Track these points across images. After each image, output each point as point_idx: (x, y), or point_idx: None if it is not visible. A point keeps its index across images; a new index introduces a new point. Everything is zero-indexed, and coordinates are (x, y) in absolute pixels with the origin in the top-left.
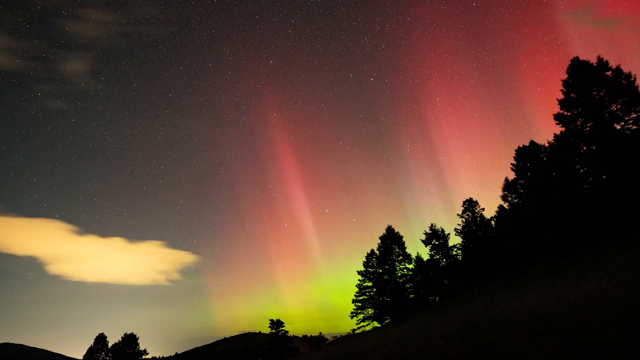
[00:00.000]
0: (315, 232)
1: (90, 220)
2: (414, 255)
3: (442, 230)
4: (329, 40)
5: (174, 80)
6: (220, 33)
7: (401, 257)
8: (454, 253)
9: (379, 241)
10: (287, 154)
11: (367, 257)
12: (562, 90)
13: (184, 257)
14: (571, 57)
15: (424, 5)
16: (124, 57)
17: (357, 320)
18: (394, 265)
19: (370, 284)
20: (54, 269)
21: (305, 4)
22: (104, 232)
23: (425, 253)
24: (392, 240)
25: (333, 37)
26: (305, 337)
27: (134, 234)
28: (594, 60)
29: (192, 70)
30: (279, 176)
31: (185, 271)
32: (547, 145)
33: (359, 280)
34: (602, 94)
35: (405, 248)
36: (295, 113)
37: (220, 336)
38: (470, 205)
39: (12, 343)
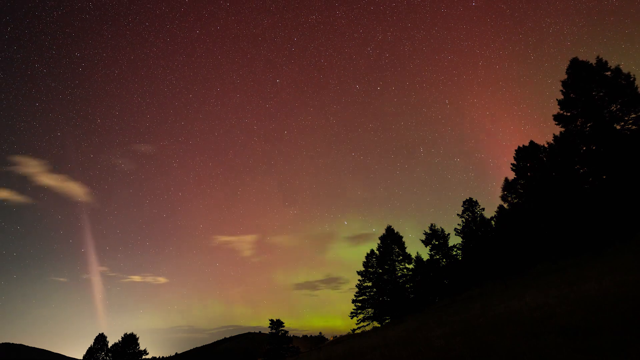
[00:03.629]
0: (336, 247)
1: None
2: (414, 255)
3: (442, 230)
4: (333, 54)
5: (185, 108)
6: (226, 58)
7: (401, 257)
8: (454, 253)
9: (379, 241)
10: (301, 169)
11: (367, 257)
12: (561, 90)
13: None
14: (577, 47)
15: (424, 10)
16: (135, 91)
17: (357, 320)
18: (394, 265)
19: (370, 284)
20: None
21: (306, 22)
22: None
23: (425, 253)
24: (392, 240)
25: (336, 50)
26: (305, 337)
27: None
28: (593, 60)
29: (202, 96)
30: (295, 193)
31: None
32: (546, 145)
33: (358, 280)
34: (601, 94)
35: (405, 248)
36: (306, 129)
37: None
38: (470, 205)
39: (12, 343)
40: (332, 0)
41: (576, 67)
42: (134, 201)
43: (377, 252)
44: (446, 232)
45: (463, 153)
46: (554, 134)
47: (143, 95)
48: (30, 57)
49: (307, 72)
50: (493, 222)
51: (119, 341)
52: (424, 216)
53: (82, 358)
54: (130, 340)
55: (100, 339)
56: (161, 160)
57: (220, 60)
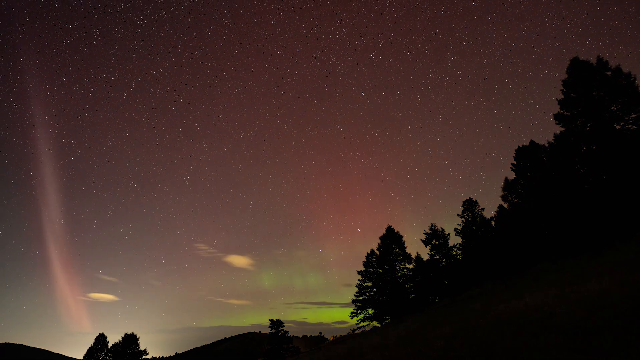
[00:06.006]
0: (349, 255)
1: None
2: (414, 255)
3: (442, 230)
4: (336, 63)
5: (193, 126)
6: (231, 74)
7: (401, 257)
8: (454, 253)
9: (379, 241)
10: (311, 180)
11: (367, 257)
12: (562, 90)
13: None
14: (582, 39)
15: (423, 13)
16: (144, 112)
17: (357, 320)
18: (394, 265)
19: (370, 284)
20: None
21: (307, 33)
22: None
23: (425, 253)
24: (392, 240)
25: (339, 59)
26: (305, 337)
27: None
28: (594, 59)
29: (209, 113)
30: (307, 203)
31: None
32: (547, 145)
33: (359, 280)
34: (602, 94)
35: (405, 248)
36: (313, 138)
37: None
38: (470, 205)
39: (12, 343)
40: (332, 10)
41: (576, 66)
42: (148, 220)
43: (377, 252)
44: (446, 232)
45: (473, 153)
46: (554, 134)
47: (152, 116)
48: (43, 86)
49: (311, 82)
50: (493, 222)
51: (119, 341)
52: (435, 219)
53: (82, 358)
54: (130, 340)
55: (101, 338)
56: (172, 178)
57: (225, 77)
